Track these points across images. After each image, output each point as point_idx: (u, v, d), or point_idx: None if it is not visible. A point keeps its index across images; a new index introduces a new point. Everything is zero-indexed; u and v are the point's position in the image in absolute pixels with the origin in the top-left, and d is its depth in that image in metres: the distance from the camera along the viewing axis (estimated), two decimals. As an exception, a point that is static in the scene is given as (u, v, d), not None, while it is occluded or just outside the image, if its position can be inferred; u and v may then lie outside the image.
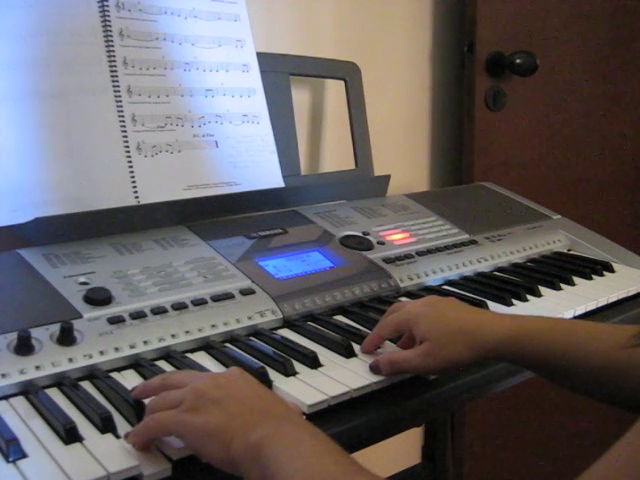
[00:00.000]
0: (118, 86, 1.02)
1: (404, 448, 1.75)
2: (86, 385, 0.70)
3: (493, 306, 0.95)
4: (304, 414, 0.67)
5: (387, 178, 1.29)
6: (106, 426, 0.61)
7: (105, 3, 1.02)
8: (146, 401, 0.63)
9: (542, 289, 1.02)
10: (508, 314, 0.79)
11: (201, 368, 0.74)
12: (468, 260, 1.10)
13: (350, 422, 0.69)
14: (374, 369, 0.75)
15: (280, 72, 1.24)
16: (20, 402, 0.66)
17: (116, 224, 0.95)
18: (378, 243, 1.08)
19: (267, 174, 1.16)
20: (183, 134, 1.07)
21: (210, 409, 0.57)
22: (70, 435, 0.60)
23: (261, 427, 0.55)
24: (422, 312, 0.76)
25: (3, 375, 0.67)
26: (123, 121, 1.02)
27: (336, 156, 1.51)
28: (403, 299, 0.98)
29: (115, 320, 0.77)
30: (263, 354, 0.77)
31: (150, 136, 1.04)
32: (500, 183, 1.46)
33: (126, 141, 1.02)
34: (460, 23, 1.66)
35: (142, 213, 0.98)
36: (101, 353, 0.73)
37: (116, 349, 0.74)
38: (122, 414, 0.65)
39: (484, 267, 1.11)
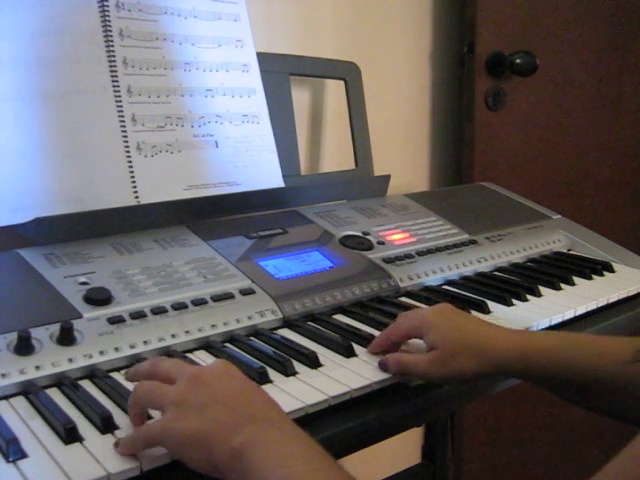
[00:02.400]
0: (118, 86, 1.02)
1: (404, 448, 1.75)
2: (86, 385, 0.70)
3: (493, 306, 0.95)
4: (305, 414, 0.67)
5: (387, 178, 1.29)
6: (106, 426, 0.61)
7: (105, 3, 1.02)
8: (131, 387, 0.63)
9: (542, 289, 1.02)
10: (518, 330, 0.79)
11: (201, 368, 0.74)
12: (468, 260, 1.10)
13: (350, 422, 0.69)
14: (382, 367, 0.75)
15: (280, 72, 1.24)
16: (20, 402, 0.66)
17: (116, 224, 0.95)
18: (378, 243, 1.08)
19: (267, 174, 1.16)
20: (183, 134, 1.07)
21: (190, 416, 0.56)
22: (70, 435, 0.60)
23: (242, 431, 0.54)
24: (435, 321, 0.76)
25: (3, 375, 0.67)
26: (123, 121, 1.02)
27: (336, 156, 1.51)
28: (403, 299, 0.98)
29: (115, 320, 0.77)
30: (263, 354, 0.77)
31: (150, 136, 1.04)
32: (500, 183, 1.46)
33: (126, 141, 1.02)
34: (460, 23, 1.66)
35: (142, 213, 0.99)
36: (101, 353, 0.73)
37: (116, 349, 0.74)
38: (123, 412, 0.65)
39: (484, 267, 1.11)
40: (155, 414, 0.62)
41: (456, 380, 0.76)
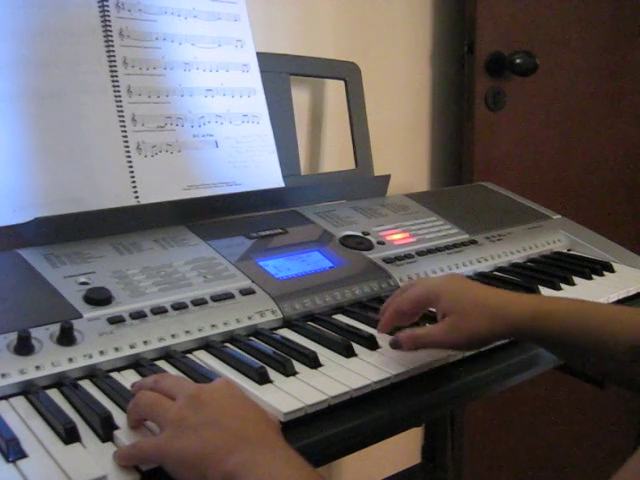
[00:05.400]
0: (118, 86, 1.02)
1: (404, 448, 1.75)
2: (86, 385, 0.70)
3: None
4: (305, 414, 0.67)
5: (387, 178, 1.29)
6: (106, 426, 0.61)
7: (105, 3, 1.02)
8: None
9: (542, 289, 1.02)
10: (530, 294, 0.79)
11: (201, 368, 0.74)
12: (468, 260, 1.10)
13: (350, 422, 0.69)
14: (394, 345, 0.76)
15: (280, 72, 1.24)
16: (20, 402, 0.66)
17: (116, 224, 0.95)
18: (378, 243, 1.08)
19: (267, 174, 1.16)
20: (183, 134, 1.07)
21: (186, 436, 0.56)
22: (70, 435, 0.60)
23: (236, 454, 0.54)
24: (445, 286, 0.77)
25: (3, 375, 0.67)
26: (123, 121, 1.02)
27: (336, 156, 1.51)
28: (403, 299, 0.98)
29: (115, 320, 0.77)
30: (263, 354, 0.77)
31: (150, 136, 1.04)
32: (500, 183, 1.46)
33: (126, 141, 1.02)
34: (460, 23, 1.66)
35: (142, 213, 0.99)
36: (101, 353, 0.73)
37: (116, 349, 0.74)
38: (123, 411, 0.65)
39: (484, 267, 1.11)
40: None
41: (472, 343, 0.76)
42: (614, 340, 0.72)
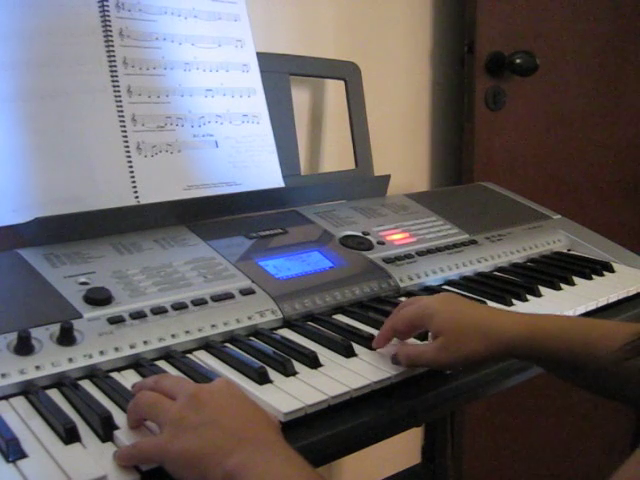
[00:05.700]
0: (118, 86, 1.02)
1: (404, 448, 1.75)
2: (86, 385, 0.70)
3: (493, 306, 0.95)
4: (305, 414, 0.67)
5: (387, 178, 1.29)
6: (106, 426, 0.61)
7: (105, 3, 1.02)
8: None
9: (542, 289, 1.02)
10: (524, 312, 0.79)
11: (201, 368, 0.74)
12: (468, 260, 1.10)
13: (350, 422, 0.69)
14: (394, 361, 0.76)
15: (280, 72, 1.24)
16: (20, 402, 0.66)
17: (116, 224, 0.95)
18: (378, 243, 1.08)
19: (267, 174, 1.16)
20: (183, 134, 1.07)
21: (186, 436, 0.56)
22: (70, 435, 0.60)
23: (235, 454, 0.54)
24: (437, 307, 0.77)
25: (3, 375, 0.67)
26: (123, 121, 1.02)
27: (336, 156, 1.51)
28: (403, 299, 0.98)
29: (115, 320, 0.77)
30: (263, 354, 0.77)
31: (150, 136, 1.04)
32: (500, 183, 1.46)
33: (126, 141, 1.02)
34: (460, 23, 1.66)
35: (142, 213, 0.99)
36: (101, 353, 0.73)
37: (116, 349, 0.74)
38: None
39: (484, 267, 1.11)
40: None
41: (466, 364, 0.76)
42: (607, 356, 0.72)
